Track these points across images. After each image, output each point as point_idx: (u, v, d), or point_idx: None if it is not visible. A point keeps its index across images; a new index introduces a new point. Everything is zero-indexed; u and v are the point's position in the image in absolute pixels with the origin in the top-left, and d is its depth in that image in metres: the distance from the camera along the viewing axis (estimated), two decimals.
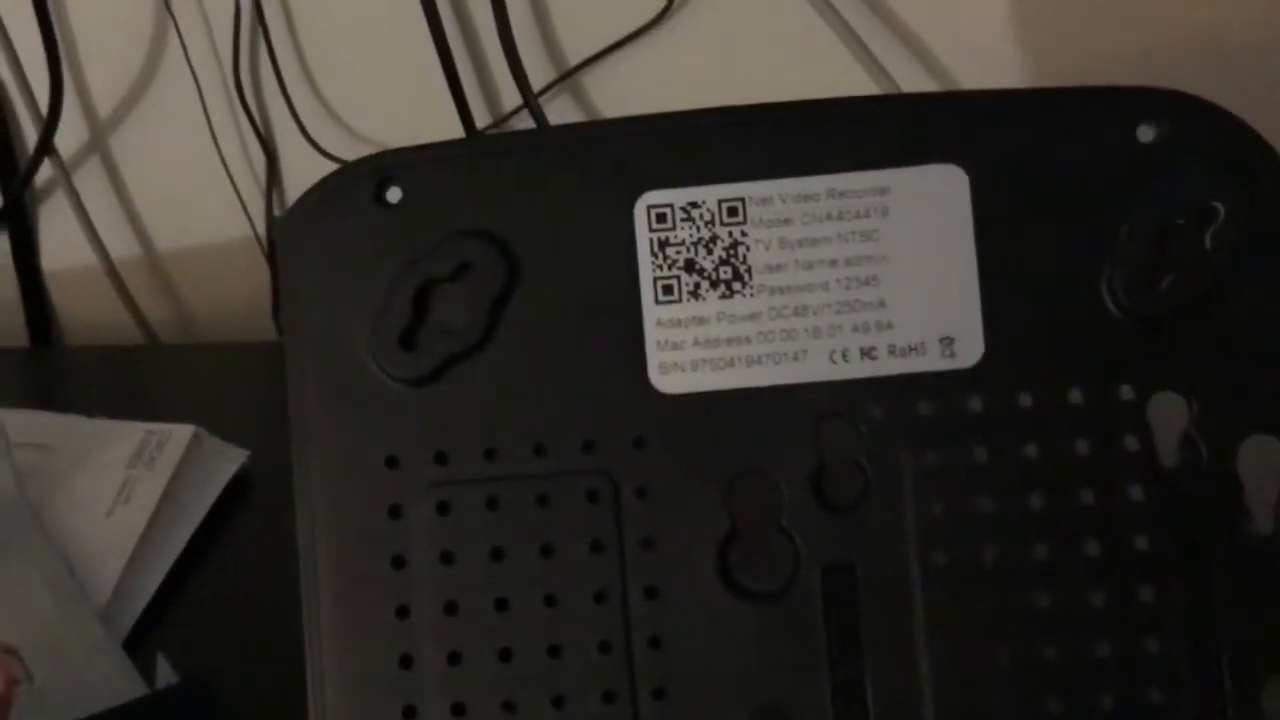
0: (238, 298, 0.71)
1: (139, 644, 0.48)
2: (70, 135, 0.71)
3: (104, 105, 0.71)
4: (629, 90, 0.61)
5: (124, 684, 0.45)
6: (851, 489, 0.32)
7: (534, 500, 0.32)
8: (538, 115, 0.59)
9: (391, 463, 0.32)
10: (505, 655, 0.32)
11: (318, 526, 0.32)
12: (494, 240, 0.32)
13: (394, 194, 0.33)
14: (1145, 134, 0.32)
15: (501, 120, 0.63)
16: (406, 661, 0.32)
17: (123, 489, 0.53)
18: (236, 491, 0.54)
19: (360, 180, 0.33)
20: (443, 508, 0.32)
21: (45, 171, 0.72)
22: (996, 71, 0.56)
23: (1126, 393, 0.32)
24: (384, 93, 0.66)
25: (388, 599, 0.32)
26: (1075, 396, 0.32)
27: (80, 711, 0.42)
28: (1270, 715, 0.31)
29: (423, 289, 0.32)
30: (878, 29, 0.57)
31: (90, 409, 0.58)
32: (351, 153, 0.65)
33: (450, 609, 0.32)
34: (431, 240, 0.32)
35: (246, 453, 0.55)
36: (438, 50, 0.60)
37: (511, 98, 0.62)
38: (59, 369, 0.74)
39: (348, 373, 0.32)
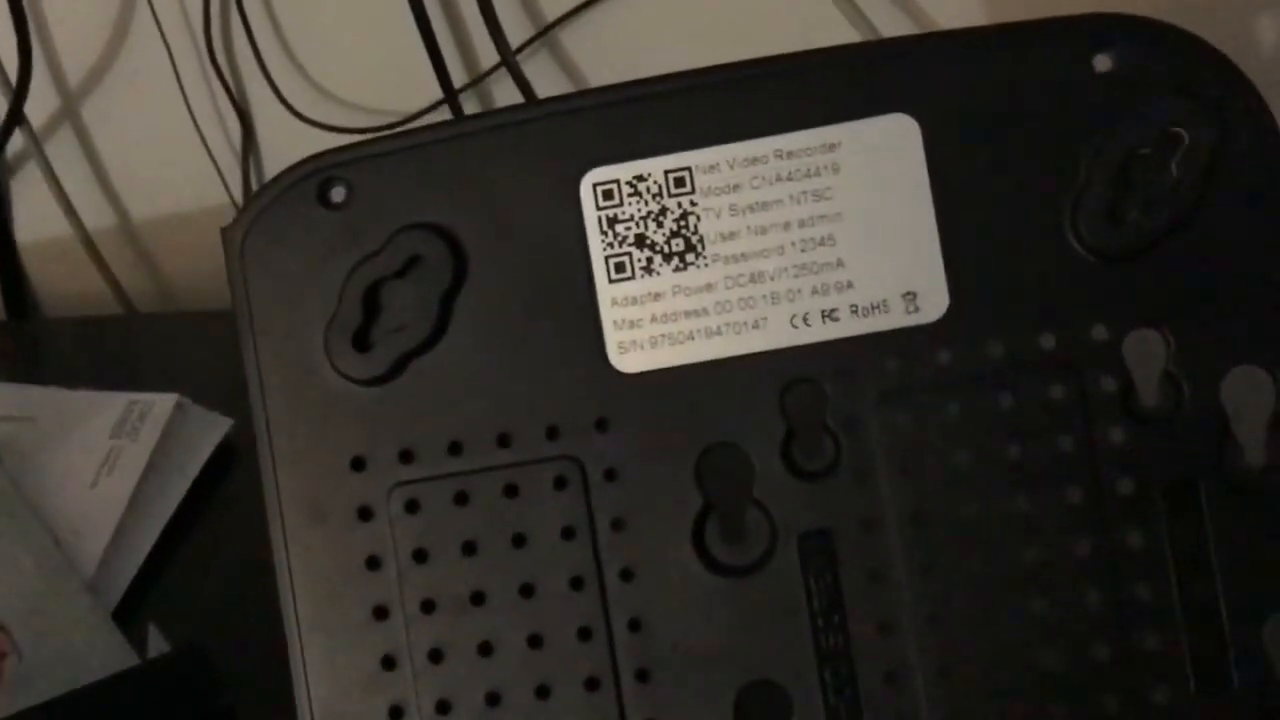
0: (215, 265, 0.68)
1: (128, 614, 0.48)
2: (40, 104, 0.70)
3: (74, 73, 0.70)
4: (609, 46, 0.60)
5: (114, 655, 0.45)
6: (823, 454, 0.31)
7: (501, 491, 0.32)
8: (516, 73, 0.58)
9: (357, 464, 0.32)
10: (486, 649, 0.31)
11: (289, 531, 0.32)
12: (440, 233, 0.32)
13: (338, 194, 0.32)
14: (1102, 63, 0.31)
15: (479, 79, 0.61)
16: (389, 662, 0.32)
17: (107, 460, 0.52)
18: (221, 459, 0.54)
19: (303, 182, 0.32)
20: (411, 506, 0.32)
21: (16, 142, 0.71)
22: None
23: (1100, 333, 0.31)
24: (359, 54, 0.64)
25: (365, 600, 0.32)
26: (1047, 342, 0.31)
27: (71, 684, 0.42)
28: (1273, 655, 0.31)
29: (373, 288, 0.32)
30: None
31: (70, 381, 0.58)
32: (327, 115, 0.64)
33: (427, 607, 0.32)
34: (378, 238, 0.32)
35: (231, 421, 0.55)
36: (413, 8, 0.58)
37: (489, 56, 0.60)
38: (37, 341, 0.73)
39: (306, 377, 0.32)
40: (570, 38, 0.60)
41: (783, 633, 0.31)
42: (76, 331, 0.72)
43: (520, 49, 0.60)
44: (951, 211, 0.31)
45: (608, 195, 0.32)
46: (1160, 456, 0.31)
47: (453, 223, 0.32)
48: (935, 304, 0.31)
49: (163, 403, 0.54)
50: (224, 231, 0.32)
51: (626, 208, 0.32)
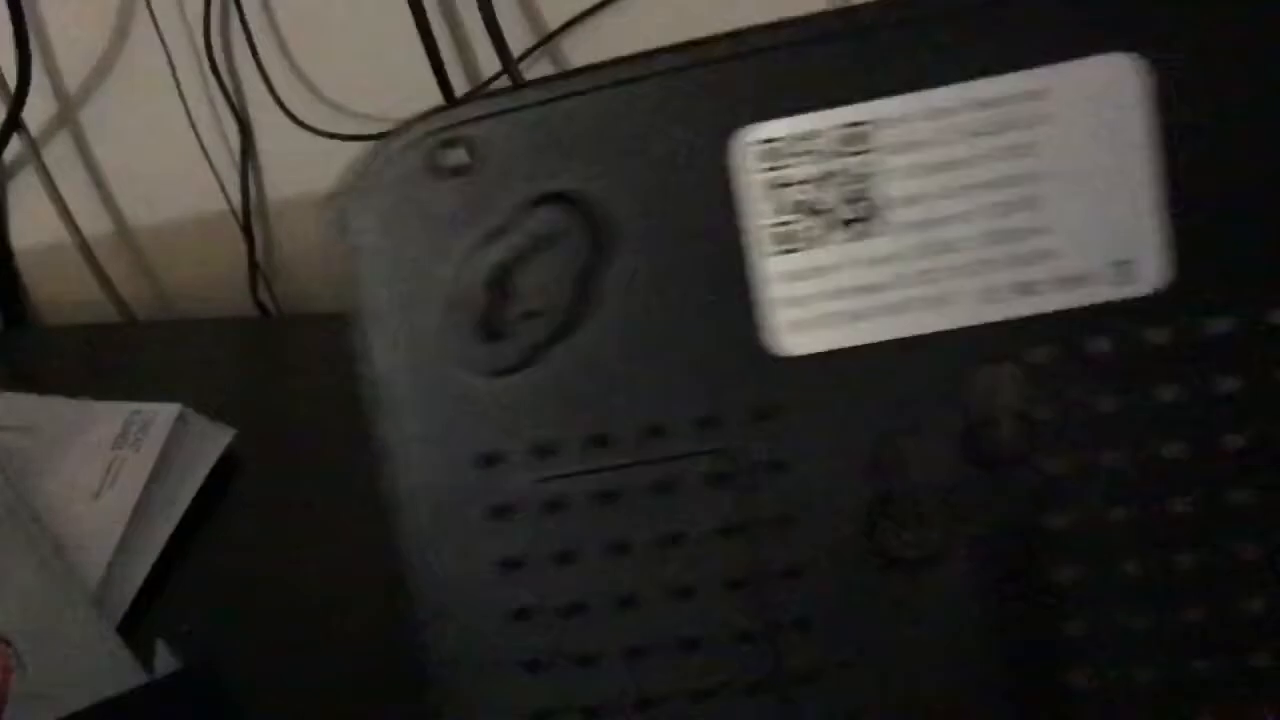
0: (214, 272, 0.70)
1: (133, 627, 0.47)
2: (38, 110, 0.69)
3: (72, 78, 0.69)
4: (610, 54, 0.55)
5: (120, 669, 0.45)
6: (1014, 444, 0.28)
7: (651, 488, 0.28)
8: (517, 82, 0.55)
9: (488, 460, 0.29)
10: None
11: (415, 531, 0.29)
12: (575, 203, 0.27)
13: (459, 157, 0.28)
14: None
15: (480, 87, 0.59)
16: (534, 666, 0.29)
17: (109, 471, 0.52)
18: (224, 471, 0.53)
19: (418, 143, 0.28)
20: (552, 505, 0.29)
21: (14, 148, 0.70)
22: None
23: None
24: (360, 60, 0.62)
25: (504, 602, 0.29)
26: (1277, 317, 0.27)
27: (77, 698, 0.41)
28: None
29: (500, 266, 0.28)
30: None
31: (69, 389, 0.57)
32: (328, 122, 0.64)
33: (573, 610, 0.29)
34: (504, 209, 0.28)
35: (233, 431, 0.54)
36: (414, 15, 0.57)
37: (490, 64, 0.58)
38: (34, 349, 0.73)
39: (425, 366, 0.28)
40: (572, 46, 0.58)
41: (959, 631, 0.28)
42: (74, 339, 0.72)
43: (522, 57, 0.58)
44: (1177, 167, 0.26)
45: (771, 155, 0.27)
46: None
47: (590, 190, 0.27)
48: (1151, 274, 0.27)
49: (165, 413, 0.54)
50: (328, 201, 0.28)
51: (793, 169, 0.27)
